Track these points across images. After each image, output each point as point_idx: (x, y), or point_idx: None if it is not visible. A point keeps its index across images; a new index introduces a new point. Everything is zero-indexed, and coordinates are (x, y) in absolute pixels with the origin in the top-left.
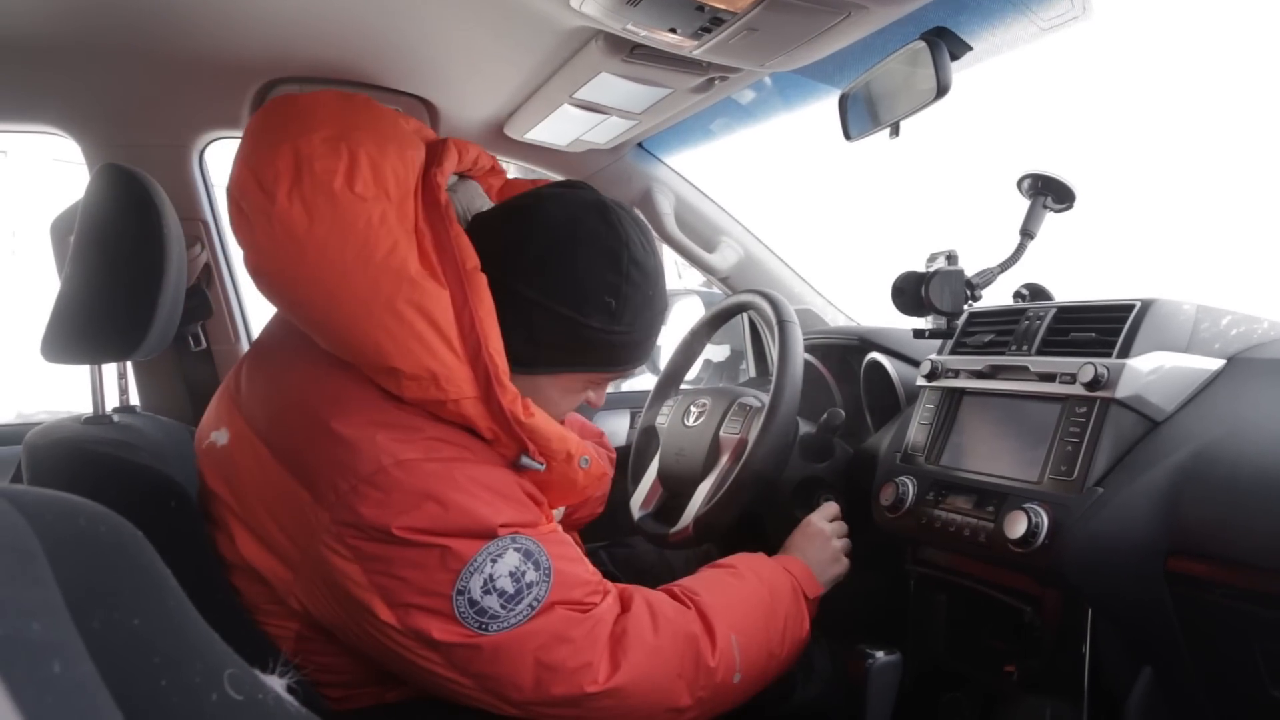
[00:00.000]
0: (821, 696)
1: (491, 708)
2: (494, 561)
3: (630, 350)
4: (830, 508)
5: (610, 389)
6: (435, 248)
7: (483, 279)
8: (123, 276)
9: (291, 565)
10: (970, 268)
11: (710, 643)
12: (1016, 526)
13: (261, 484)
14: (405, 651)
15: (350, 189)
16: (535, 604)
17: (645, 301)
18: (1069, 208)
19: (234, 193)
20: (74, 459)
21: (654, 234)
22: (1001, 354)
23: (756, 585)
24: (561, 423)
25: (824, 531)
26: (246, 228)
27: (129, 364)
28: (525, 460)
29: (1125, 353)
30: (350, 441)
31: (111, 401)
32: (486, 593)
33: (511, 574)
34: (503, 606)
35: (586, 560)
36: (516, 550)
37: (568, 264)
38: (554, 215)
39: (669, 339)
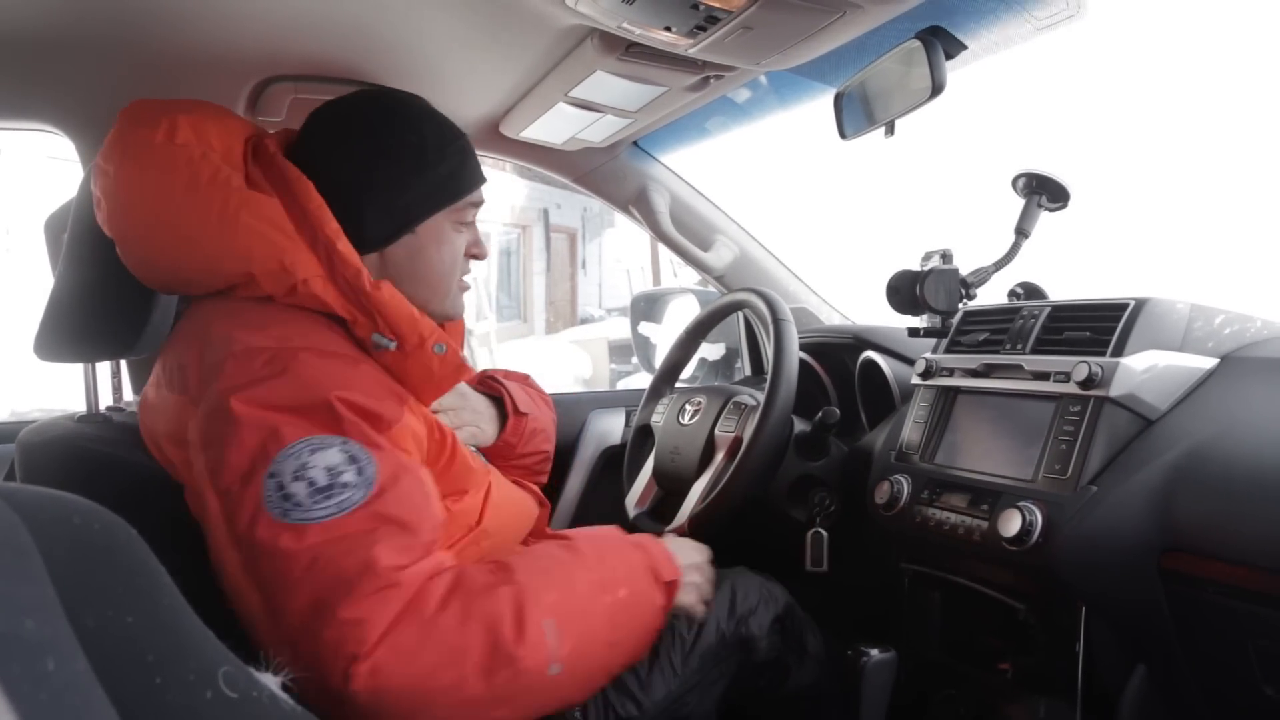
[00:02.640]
0: (817, 681)
1: (269, 638)
2: (313, 452)
3: (456, 170)
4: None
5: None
6: (265, 177)
7: (309, 184)
8: (117, 275)
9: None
10: (965, 266)
11: (516, 630)
12: (1011, 525)
13: (170, 423)
14: (224, 551)
15: (171, 141)
16: (343, 508)
17: (446, 136)
18: (1064, 207)
19: (95, 196)
20: (68, 457)
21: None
22: (996, 353)
23: (595, 564)
24: (462, 291)
25: (694, 543)
26: (102, 212)
27: (123, 362)
28: (376, 338)
29: (1119, 351)
30: (215, 339)
31: (105, 400)
32: (296, 479)
33: (329, 469)
34: (308, 495)
35: (434, 512)
36: (343, 451)
37: (361, 135)
38: (331, 113)
39: (665, 336)
